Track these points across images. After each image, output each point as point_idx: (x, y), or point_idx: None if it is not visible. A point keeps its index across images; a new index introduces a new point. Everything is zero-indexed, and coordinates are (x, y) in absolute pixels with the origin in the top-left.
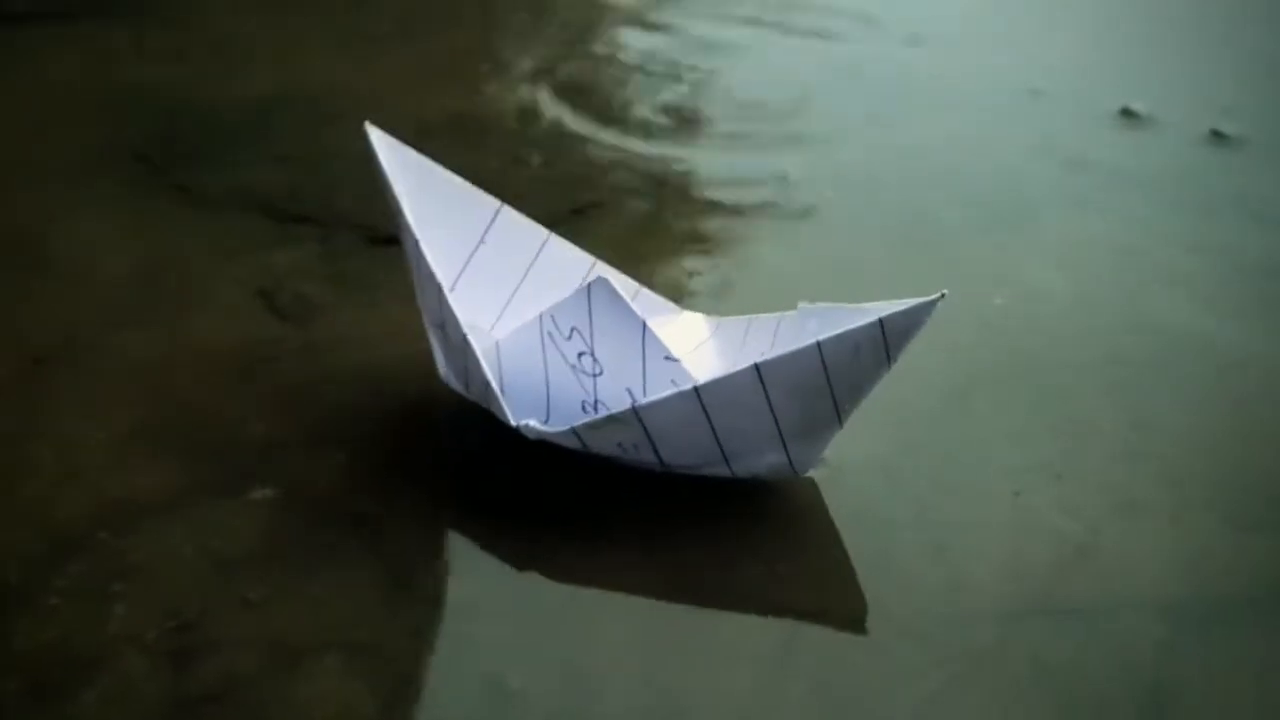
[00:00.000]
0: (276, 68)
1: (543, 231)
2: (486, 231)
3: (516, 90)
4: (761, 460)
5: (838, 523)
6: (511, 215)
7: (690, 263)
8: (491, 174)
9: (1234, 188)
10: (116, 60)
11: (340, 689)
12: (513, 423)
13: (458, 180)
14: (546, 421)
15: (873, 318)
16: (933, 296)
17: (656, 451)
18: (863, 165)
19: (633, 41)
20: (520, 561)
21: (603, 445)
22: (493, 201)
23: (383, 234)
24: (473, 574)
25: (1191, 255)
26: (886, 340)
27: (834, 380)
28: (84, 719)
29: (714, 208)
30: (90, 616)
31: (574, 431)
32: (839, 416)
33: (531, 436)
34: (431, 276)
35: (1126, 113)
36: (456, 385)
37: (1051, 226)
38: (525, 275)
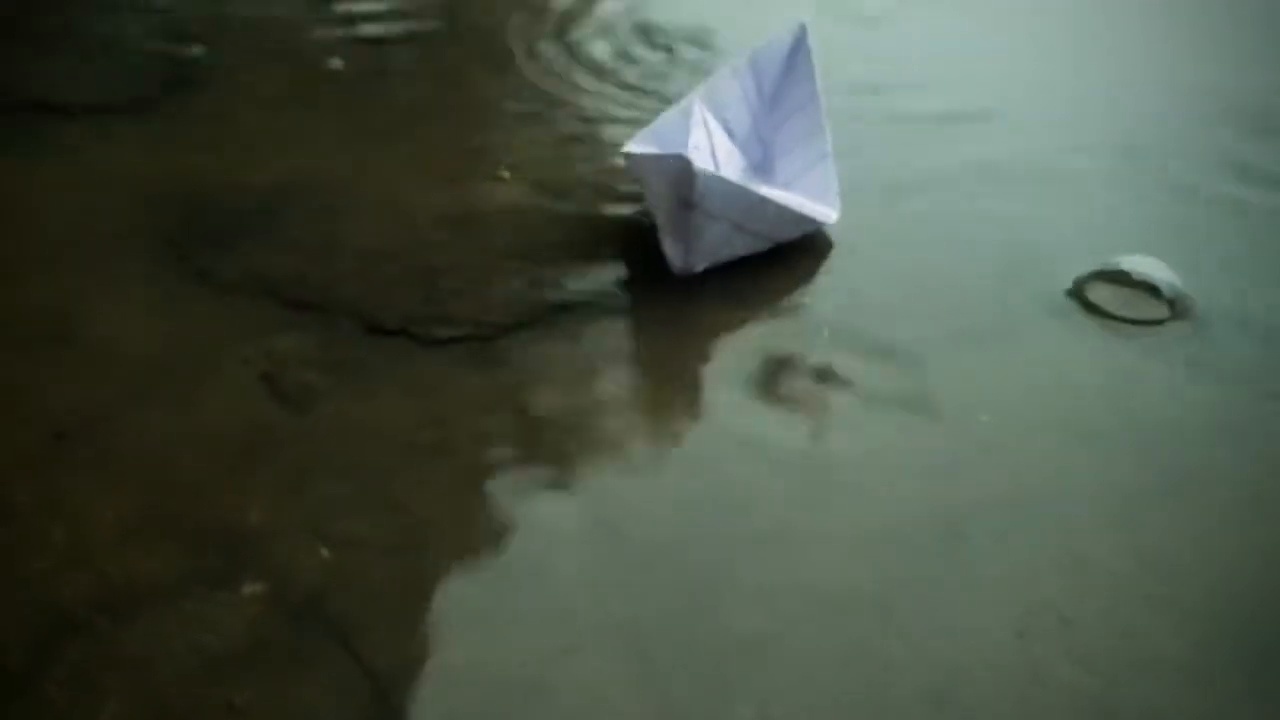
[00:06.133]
0: (291, 159)
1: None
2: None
3: (501, 187)
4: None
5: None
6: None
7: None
8: (477, 269)
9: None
10: (151, 151)
11: None
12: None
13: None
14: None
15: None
16: None
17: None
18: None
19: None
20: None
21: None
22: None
23: (382, 324)
24: (450, 693)
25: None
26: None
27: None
28: None
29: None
30: (82, 711)
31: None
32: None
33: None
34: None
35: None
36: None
37: (1035, 345)
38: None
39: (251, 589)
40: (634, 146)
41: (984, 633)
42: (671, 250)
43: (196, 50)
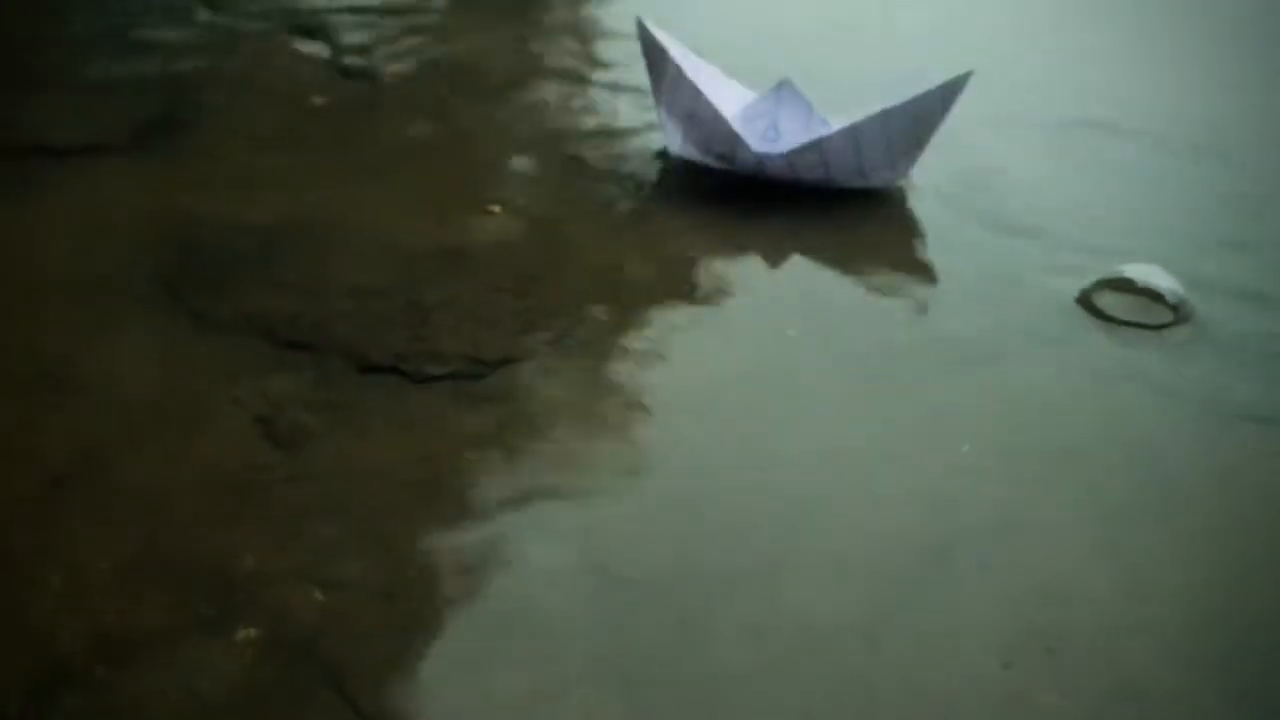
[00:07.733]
0: (283, 197)
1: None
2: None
3: (491, 221)
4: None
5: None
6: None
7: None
8: (468, 304)
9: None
10: (144, 191)
11: None
12: (753, 149)
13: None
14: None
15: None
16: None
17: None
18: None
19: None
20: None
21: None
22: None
23: (374, 362)
24: None
25: (1166, 397)
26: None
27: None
28: None
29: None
30: None
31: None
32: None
33: (767, 164)
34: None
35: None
36: (695, 153)
37: (1019, 369)
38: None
39: (245, 634)
40: (775, 143)
41: (971, 663)
42: (901, 171)
43: (187, 89)
